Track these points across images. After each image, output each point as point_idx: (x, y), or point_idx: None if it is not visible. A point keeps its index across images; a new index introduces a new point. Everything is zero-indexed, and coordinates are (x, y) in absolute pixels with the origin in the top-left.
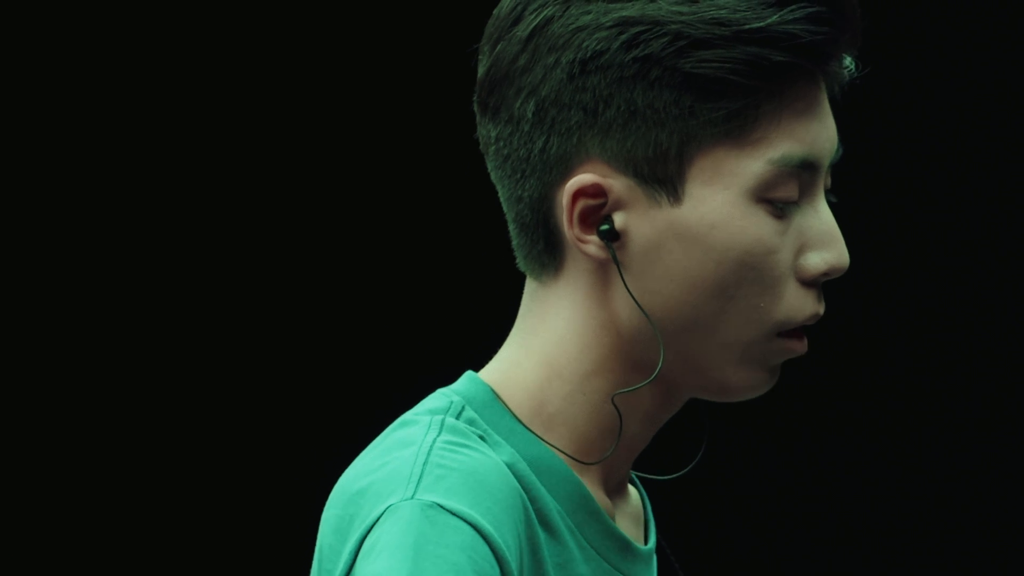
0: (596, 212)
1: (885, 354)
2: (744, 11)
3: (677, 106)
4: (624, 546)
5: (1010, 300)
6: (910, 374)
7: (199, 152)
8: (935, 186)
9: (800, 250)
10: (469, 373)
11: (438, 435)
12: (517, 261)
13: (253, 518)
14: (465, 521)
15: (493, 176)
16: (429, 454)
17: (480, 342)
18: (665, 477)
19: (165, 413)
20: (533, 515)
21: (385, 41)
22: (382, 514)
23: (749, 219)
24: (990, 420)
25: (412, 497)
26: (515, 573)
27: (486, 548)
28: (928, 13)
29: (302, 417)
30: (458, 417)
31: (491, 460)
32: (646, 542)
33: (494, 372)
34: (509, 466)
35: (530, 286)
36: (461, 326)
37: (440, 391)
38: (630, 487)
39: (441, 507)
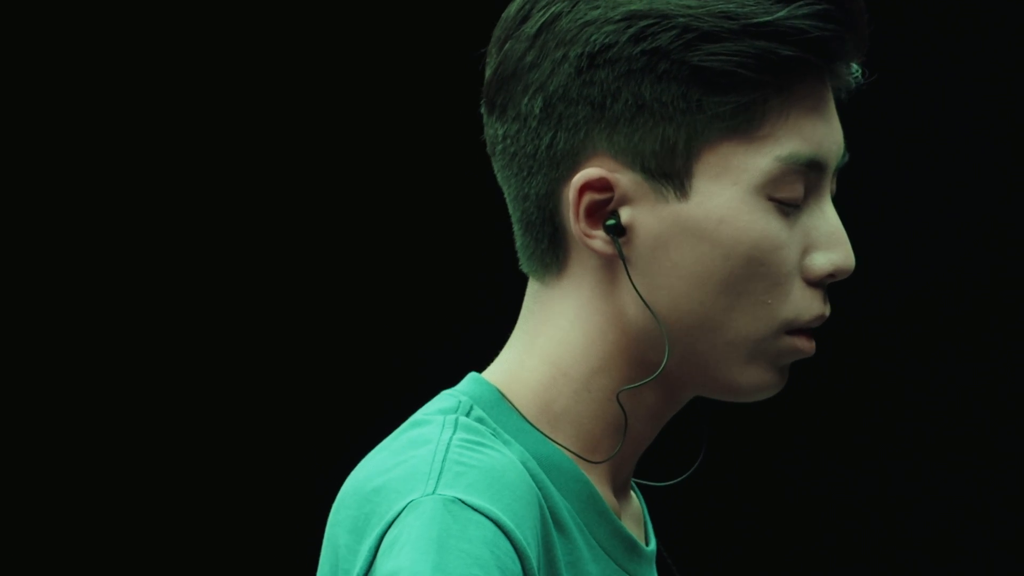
0: (602, 207)
1: (885, 358)
2: (752, 5)
3: (685, 100)
4: (631, 546)
5: (1008, 301)
6: (911, 378)
7: (203, 152)
8: (935, 189)
9: (806, 250)
10: (473, 374)
11: (454, 433)
12: (520, 262)
13: (257, 521)
14: (487, 517)
15: (499, 176)
16: (447, 451)
17: (481, 345)
18: (662, 484)
19: (169, 416)
20: (547, 513)
21: (391, 43)
22: (402, 510)
23: (757, 214)
24: (989, 430)
25: (433, 492)
26: (535, 570)
27: (507, 544)
28: (930, 17)
29: (305, 421)
30: (467, 416)
31: (508, 458)
32: (647, 543)
33: (498, 373)
34: (521, 464)
35: (532, 287)
36: (462, 329)
37: (446, 392)
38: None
39: (463, 502)
